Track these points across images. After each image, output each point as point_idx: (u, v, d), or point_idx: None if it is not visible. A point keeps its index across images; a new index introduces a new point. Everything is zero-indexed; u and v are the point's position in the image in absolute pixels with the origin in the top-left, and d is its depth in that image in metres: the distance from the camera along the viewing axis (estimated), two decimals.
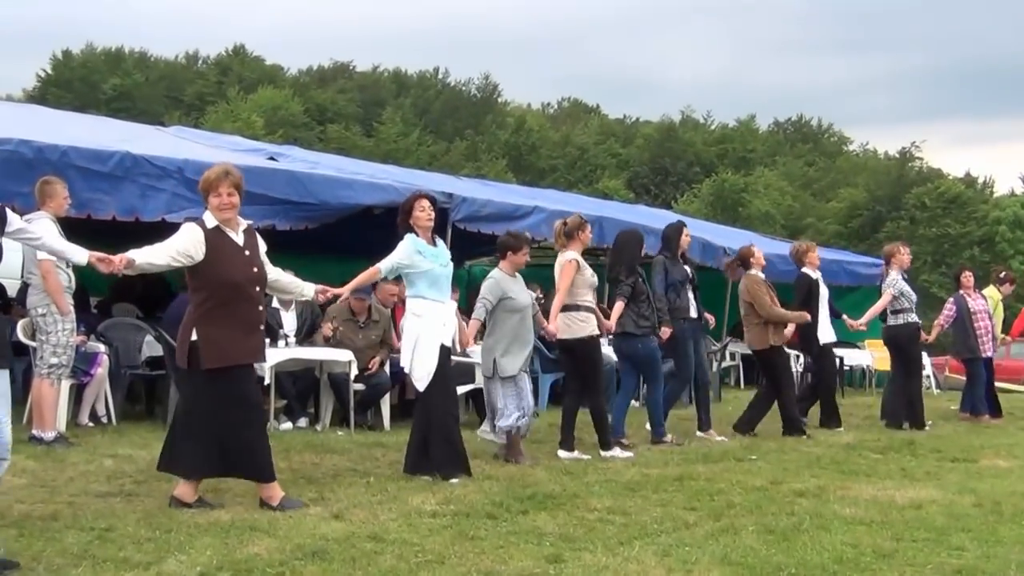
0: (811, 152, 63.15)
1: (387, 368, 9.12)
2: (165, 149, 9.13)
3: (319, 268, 10.28)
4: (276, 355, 8.25)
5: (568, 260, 7.56)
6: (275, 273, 5.60)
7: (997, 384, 11.70)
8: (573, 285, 7.49)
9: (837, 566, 4.37)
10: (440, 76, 66.59)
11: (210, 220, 5.27)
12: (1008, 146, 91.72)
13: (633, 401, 9.05)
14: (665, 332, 8.40)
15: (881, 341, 11.01)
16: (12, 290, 9.75)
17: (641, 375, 8.80)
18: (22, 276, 7.81)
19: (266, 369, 7.90)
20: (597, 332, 7.62)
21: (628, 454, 7.56)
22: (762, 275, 9.39)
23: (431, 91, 64.69)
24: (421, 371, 6.30)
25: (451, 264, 6.56)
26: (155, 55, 62.62)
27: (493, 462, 6.98)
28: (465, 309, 8.83)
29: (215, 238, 5.23)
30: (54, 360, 7.04)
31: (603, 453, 7.49)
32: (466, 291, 11.93)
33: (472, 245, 11.77)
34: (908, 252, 10.42)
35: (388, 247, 6.43)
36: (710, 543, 4.72)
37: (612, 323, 8.04)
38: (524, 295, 7.30)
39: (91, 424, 8.17)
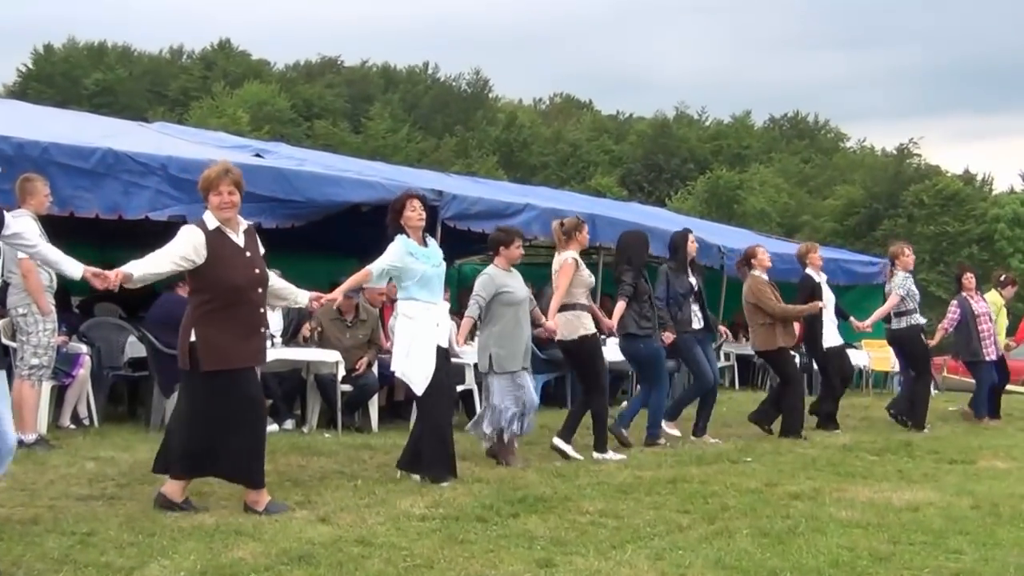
0: (807, 149, 63.13)
1: (375, 369, 9.02)
2: (148, 145, 9.04)
3: (306, 267, 10.19)
4: None
5: (567, 259, 7.52)
6: (271, 277, 5.51)
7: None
8: (571, 285, 7.43)
9: (833, 570, 4.34)
10: (430, 71, 66.04)
11: (211, 221, 5.19)
12: (1007, 142, 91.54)
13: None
14: (668, 337, 8.36)
15: (879, 341, 10.93)
16: None
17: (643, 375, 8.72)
18: (2, 276, 7.67)
19: None
20: (594, 331, 7.56)
21: (621, 456, 7.51)
22: (765, 276, 9.32)
23: (420, 86, 64.12)
24: (419, 375, 6.21)
25: (443, 264, 6.48)
26: (139, 49, 61.87)
27: (483, 464, 6.90)
28: (456, 309, 8.75)
29: (216, 240, 5.15)
30: (35, 361, 6.94)
31: (595, 455, 7.43)
32: (456, 291, 11.85)
33: (462, 243, 11.68)
34: (912, 253, 10.35)
35: (376, 245, 6.34)
36: (704, 546, 4.68)
37: (613, 323, 7.99)
38: (522, 288, 7.24)
39: (73, 426, 8.06)
